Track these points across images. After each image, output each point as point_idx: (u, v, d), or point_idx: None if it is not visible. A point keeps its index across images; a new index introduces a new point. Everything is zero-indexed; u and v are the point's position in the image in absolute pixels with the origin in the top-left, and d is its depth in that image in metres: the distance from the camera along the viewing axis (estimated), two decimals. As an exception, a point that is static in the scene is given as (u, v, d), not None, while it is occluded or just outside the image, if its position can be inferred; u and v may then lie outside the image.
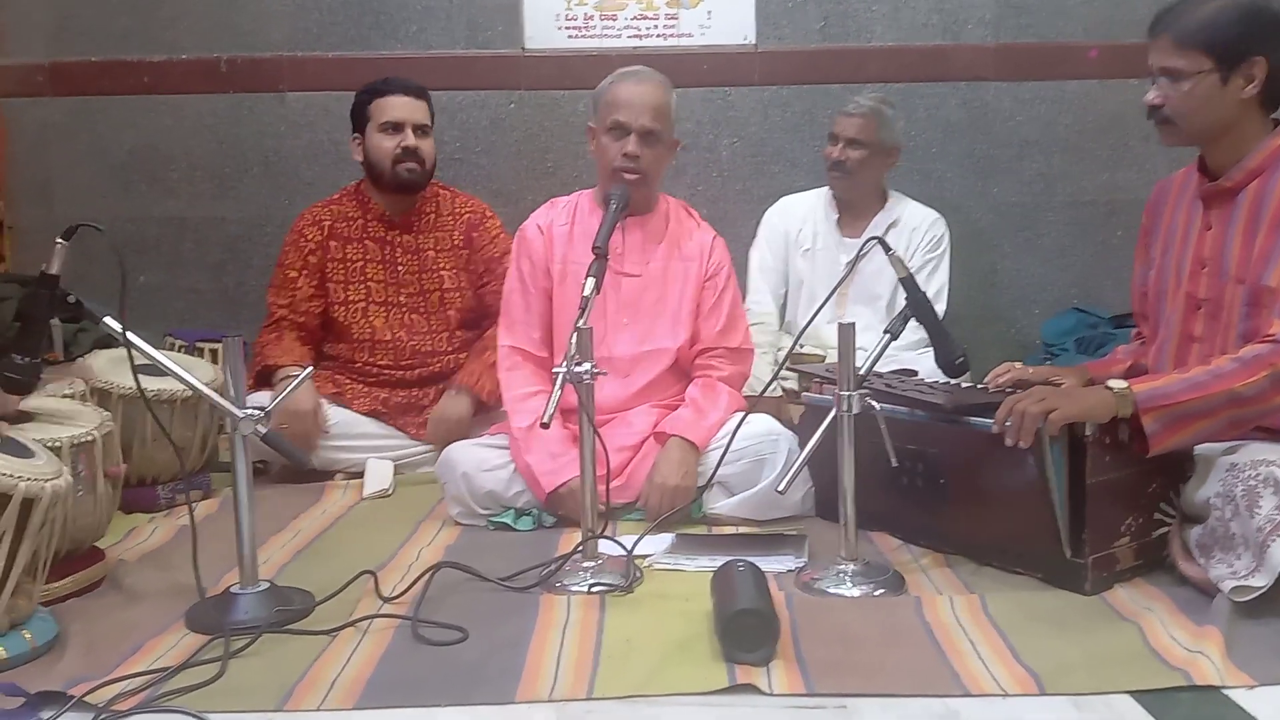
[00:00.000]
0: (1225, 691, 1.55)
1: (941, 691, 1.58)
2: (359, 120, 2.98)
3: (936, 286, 3.09)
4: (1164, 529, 2.01)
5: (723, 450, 2.29)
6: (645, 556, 2.16)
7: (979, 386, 2.26)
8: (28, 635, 1.74)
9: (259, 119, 3.68)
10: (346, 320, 3.00)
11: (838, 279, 2.57)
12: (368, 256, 3.02)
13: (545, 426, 1.95)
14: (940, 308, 2.89)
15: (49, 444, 2.01)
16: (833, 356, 2.26)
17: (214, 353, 3.26)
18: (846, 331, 1.98)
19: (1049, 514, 1.93)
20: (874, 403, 2.00)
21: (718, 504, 2.43)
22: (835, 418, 2.00)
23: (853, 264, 2.32)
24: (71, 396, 2.40)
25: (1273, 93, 1.99)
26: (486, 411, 2.91)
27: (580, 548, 2.08)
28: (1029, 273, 3.75)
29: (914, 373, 2.55)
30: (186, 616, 1.88)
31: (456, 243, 3.05)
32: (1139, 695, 1.55)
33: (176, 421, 2.57)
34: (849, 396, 1.99)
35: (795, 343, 2.48)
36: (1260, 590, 1.74)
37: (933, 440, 2.16)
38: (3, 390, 1.89)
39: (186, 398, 2.57)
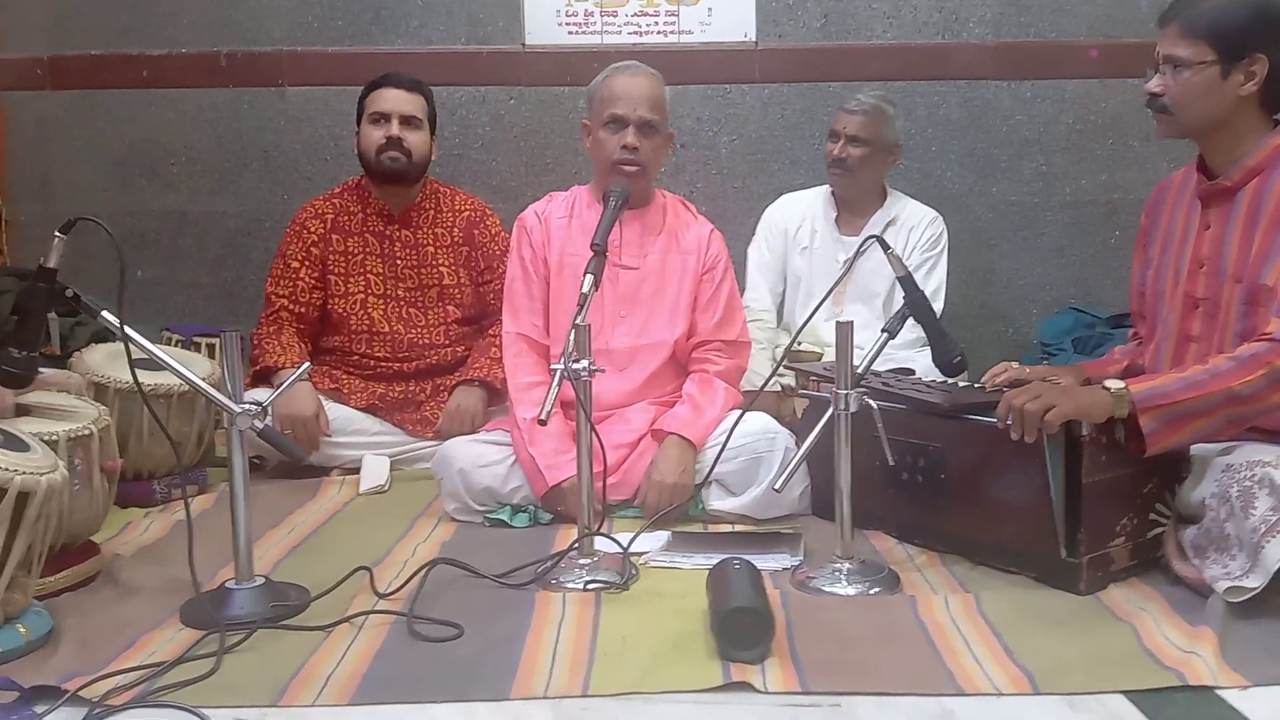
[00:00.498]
0: (1219, 692, 1.55)
1: (936, 690, 1.58)
2: (358, 114, 3.01)
3: (934, 285, 3.08)
4: (1159, 529, 2.01)
5: (720, 448, 2.29)
6: (641, 554, 2.16)
7: (976, 386, 2.26)
8: (22, 629, 1.74)
9: (258, 114, 3.68)
10: (345, 312, 3.00)
11: (835, 277, 2.56)
12: (367, 250, 3.02)
13: (543, 423, 1.95)
14: (938, 306, 2.88)
15: (46, 438, 2.01)
16: (830, 354, 2.26)
17: (211, 348, 3.25)
18: (844, 330, 1.98)
19: (1046, 513, 1.93)
20: (871, 401, 2.00)
21: (715, 503, 2.43)
22: (832, 416, 2.00)
23: (850, 262, 2.31)
24: (68, 391, 2.40)
25: (1273, 93, 2.00)
26: (500, 402, 2.92)
27: (576, 545, 2.08)
28: (1027, 272, 3.75)
29: (911, 371, 2.55)
30: (181, 611, 1.88)
31: (456, 239, 3.06)
32: (1133, 695, 1.55)
33: (173, 416, 2.58)
34: (846, 395, 1.99)
35: (794, 340, 2.48)
36: (1254, 591, 1.75)
37: (929, 439, 2.16)
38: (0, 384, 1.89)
39: (183, 392, 2.57)
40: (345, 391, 2.95)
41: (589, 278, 2.12)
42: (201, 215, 3.72)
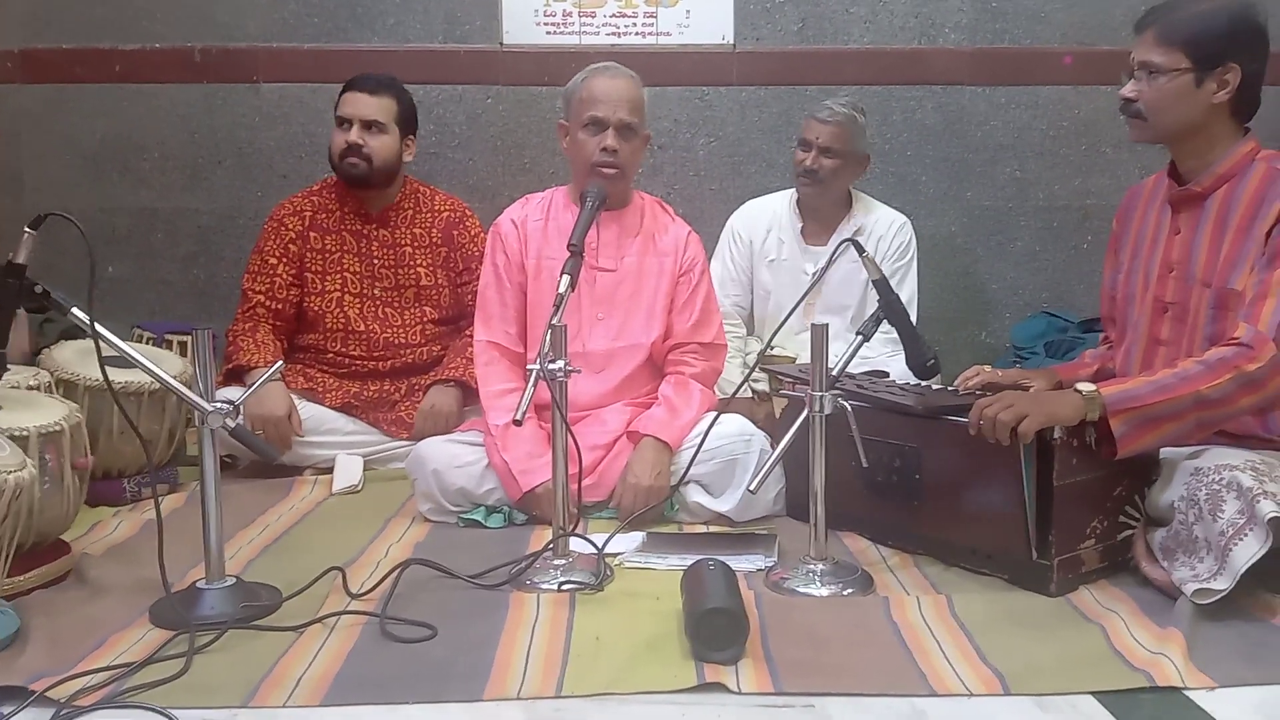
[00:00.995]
0: (1186, 693, 1.57)
1: (908, 691, 1.59)
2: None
3: (906, 296, 3.05)
4: (1129, 532, 2.03)
5: (695, 450, 2.29)
6: (616, 555, 2.16)
7: (949, 389, 2.28)
8: (-11, 629, 1.72)
9: (233, 110, 3.65)
10: (321, 310, 2.99)
11: (803, 289, 2.54)
12: (345, 248, 3.01)
13: (518, 424, 1.95)
14: (911, 316, 2.88)
15: (15, 434, 1.99)
16: (803, 360, 2.27)
17: (183, 345, 3.22)
18: (819, 332, 1.99)
19: (1018, 516, 1.95)
20: (846, 403, 2.01)
21: (692, 502, 2.43)
22: (807, 418, 2.01)
23: (823, 270, 2.32)
24: (37, 388, 2.37)
25: (1245, 101, 2.03)
26: (475, 402, 2.91)
27: (551, 545, 2.08)
28: (1000, 276, 3.78)
29: (885, 374, 2.56)
30: (151, 611, 1.87)
31: (435, 240, 3.05)
32: (1102, 696, 1.56)
33: (144, 414, 2.55)
34: (821, 397, 2.00)
35: (766, 346, 2.48)
36: (1222, 593, 1.77)
37: (903, 442, 2.17)
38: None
39: (154, 390, 2.55)
40: (320, 390, 2.94)
41: (565, 278, 2.12)
42: (174, 212, 3.69)
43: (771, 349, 2.89)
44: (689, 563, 1.91)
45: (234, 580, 1.94)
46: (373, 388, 2.97)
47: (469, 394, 2.91)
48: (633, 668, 1.66)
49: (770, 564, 2.12)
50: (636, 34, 3.65)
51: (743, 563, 2.09)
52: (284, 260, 2.98)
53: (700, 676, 1.62)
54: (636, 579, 2.07)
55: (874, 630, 1.81)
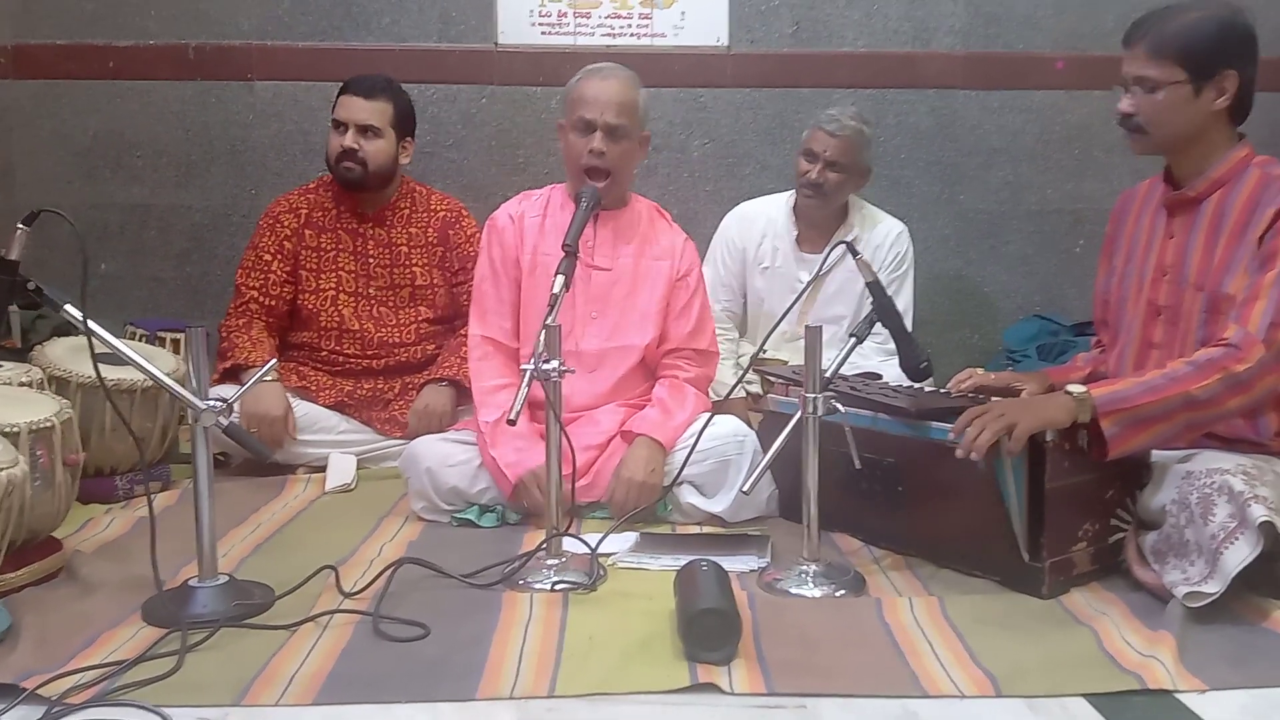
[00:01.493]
0: (1177, 695, 1.57)
1: (900, 692, 1.60)
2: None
3: (901, 305, 2.97)
4: (1120, 534, 2.04)
5: (689, 451, 2.30)
6: (609, 555, 2.16)
7: (942, 391, 2.28)
8: (-20, 626, 1.72)
9: (226, 107, 3.64)
10: (315, 308, 2.98)
11: (796, 296, 2.53)
12: (340, 247, 3.01)
13: (512, 423, 1.94)
14: (906, 324, 2.87)
15: (6, 430, 1.98)
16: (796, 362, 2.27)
17: (176, 343, 3.22)
18: (814, 334, 1.99)
19: (1005, 519, 1.95)
20: (838, 405, 2.02)
21: (686, 503, 2.44)
22: (800, 420, 2.02)
23: (817, 274, 2.32)
24: (29, 385, 2.37)
25: (1241, 105, 2.04)
26: (469, 401, 2.91)
27: (544, 545, 2.08)
28: (993, 280, 3.79)
29: (878, 376, 2.57)
30: (143, 609, 1.86)
31: (431, 240, 3.05)
32: (1093, 698, 1.57)
33: (136, 412, 2.55)
34: (814, 399, 2.00)
35: (759, 349, 2.48)
36: (1213, 596, 1.78)
37: (894, 445, 2.17)
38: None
39: (147, 388, 2.54)
40: (313, 389, 2.93)
41: (560, 278, 2.12)
42: (166, 209, 3.68)
43: (764, 353, 2.89)
44: (682, 563, 1.91)
45: (226, 578, 1.93)
46: (366, 386, 2.97)
47: (463, 393, 2.91)
48: (625, 668, 1.66)
49: (763, 565, 2.12)
50: (631, 35, 3.65)
51: (736, 563, 2.10)
52: (279, 257, 2.98)
53: (693, 677, 1.62)
54: (629, 579, 2.07)
55: (866, 631, 1.81)
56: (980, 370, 2.33)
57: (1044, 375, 2.34)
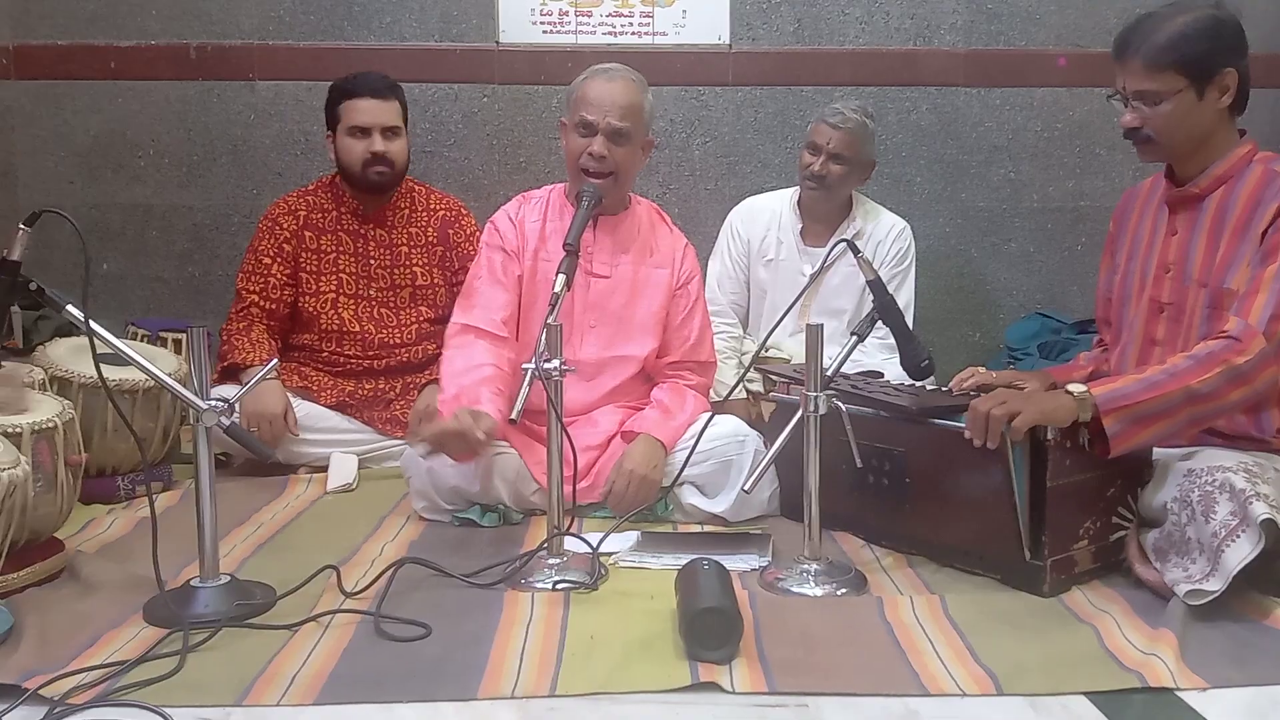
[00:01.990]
0: (1178, 693, 1.57)
1: (901, 691, 1.60)
2: (330, 118, 2.97)
3: (902, 302, 2.99)
4: (1121, 533, 2.04)
5: (689, 451, 2.30)
6: (610, 554, 2.16)
7: (943, 390, 2.28)
8: (-18, 626, 1.72)
9: (228, 107, 3.64)
10: (315, 310, 2.99)
11: (800, 289, 2.53)
12: (340, 248, 3.01)
13: (513, 423, 1.94)
14: (907, 321, 2.88)
15: (8, 431, 1.99)
16: (798, 361, 2.27)
17: (178, 343, 3.22)
18: (814, 333, 1.99)
19: (1010, 516, 1.95)
20: (840, 404, 2.02)
21: (687, 503, 2.44)
22: (801, 418, 2.02)
23: (819, 271, 2.32)
24: (31, 385, 2.37)
25: (1241, 99, 2.04)
26: None
27: (545, 544, 2.08)
28: (994, 278, 3.79)
29: (880, 375, 2.57)
30: (145, 609, 1.86)
31: (431, 239, 3.05)
32: (1094, 696, 1.57)
33: (138, 412, 2.55)
34: (816, 397, 2.00)
35: (760, 347, 2.48)
36: (1214, 594, 1.78)
37: (897, 442, 2.17)
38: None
39: (148, 388, 2.55)
40: (314, 389, 2.94)
41: (561, 277, 2.11)
42: (168, 209, 3.69)
43: (766, 350, 2.89)
44: (683, 562, 1.91)
45: (228, 578, 1.93)
46: (367, 386, 2.97)
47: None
48: (627, 667, 1.66)
49: (764, 564, 2.12)
50: (632, 33, 3.65)
51: (737, 562, 2.10)
52: (278, 260, 2.98)
53: (694, 676, 1.62)
54: (631, 578, 2.07)
55: (867, 630, 1.81)
56: (982, 369, 2.32)
57: (1046, 374, 2.33)
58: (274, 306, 2.98)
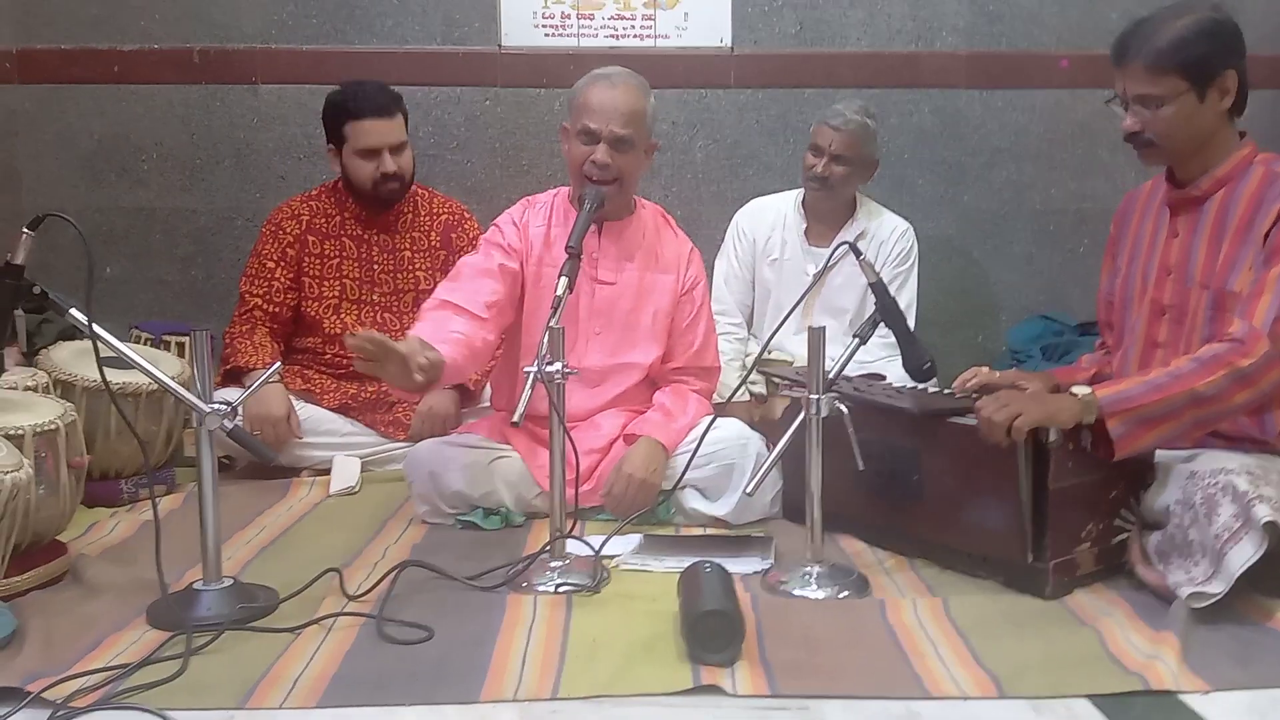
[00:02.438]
0: (1180, 696, 1.57)
1: (903, 693, 1.60)
2: (335, 134, 2.95)
3: (905, 302, 3.04)
4: (1124, 535, 2.04)
5: (691, 454, 2.30)
6: (613, 557, 2.16)
7: (946, 391, 2.28)
8: (-14, 630, 1.72)
9: (231, 110, 3.65)
10: (318, 315, 2.99)
11: (804, 289, 2.53)
12: (344, 254, 3.01)
13: (516, 425, 1.94)
14: (909, 322, 2.89)
15: (11, 434, 1.99)
16: (801, 363, 2.27)
17: (181, 346, 3.22)
18: (816, 335, 2.00)
19: (1014, 518, 1.95)
20: (842, 406, 2.02)
21: (689, 506, 2.44)
22: (804, 421, 2.02)
23: (821, 272, 2.32)
24: (34, 389, 2.37)
25: (1241, 101, 2.04)
26: (471, 405, 2.92)
27: (548, 547, 2.08)
28: (997, 279, 3.79)
29: (882, 377, 2.57)
30: (148, 612, 1.87)
31: (434, 244, 3.05)
32: (1096, 699, 1.57)
33: (141, 415, 2.55)
34: (818, 400, 2.00)
35: (764, 348, 2.49)
36: (1216, 597, 1.78)
37: (899, 445, 2.17)
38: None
39: (151, 391, 2.55)
40: (317, 392, 2.94)
41: (563, 280, 2.11)
42: (171, 212, 3.69)
43: (769, 352, 2.90)
44: (686, 565, 1.91)
45: (231, 581, 1.94)
46: (370, 389, 2.97)
47: (467, 397, 2.91)
48: (629, 669, 1.66)
49: (767, 566, 2.12)
50: (635, 36, 3.65)
51: (739, 565, 2.10)
52: (281, 264, 2.98)
53: (696, 679, 1.62)
54: (633, 581, 2.07)
55: (869, 633, 1.81)
56: (985, 368, 2.31)
57: (1049, 376, 2.33)
58: (277, 310, 2.98)
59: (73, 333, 2.82)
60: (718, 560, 1.92)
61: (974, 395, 2.21)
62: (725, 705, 1.57)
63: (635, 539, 2.27)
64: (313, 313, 2.99)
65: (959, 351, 3.64)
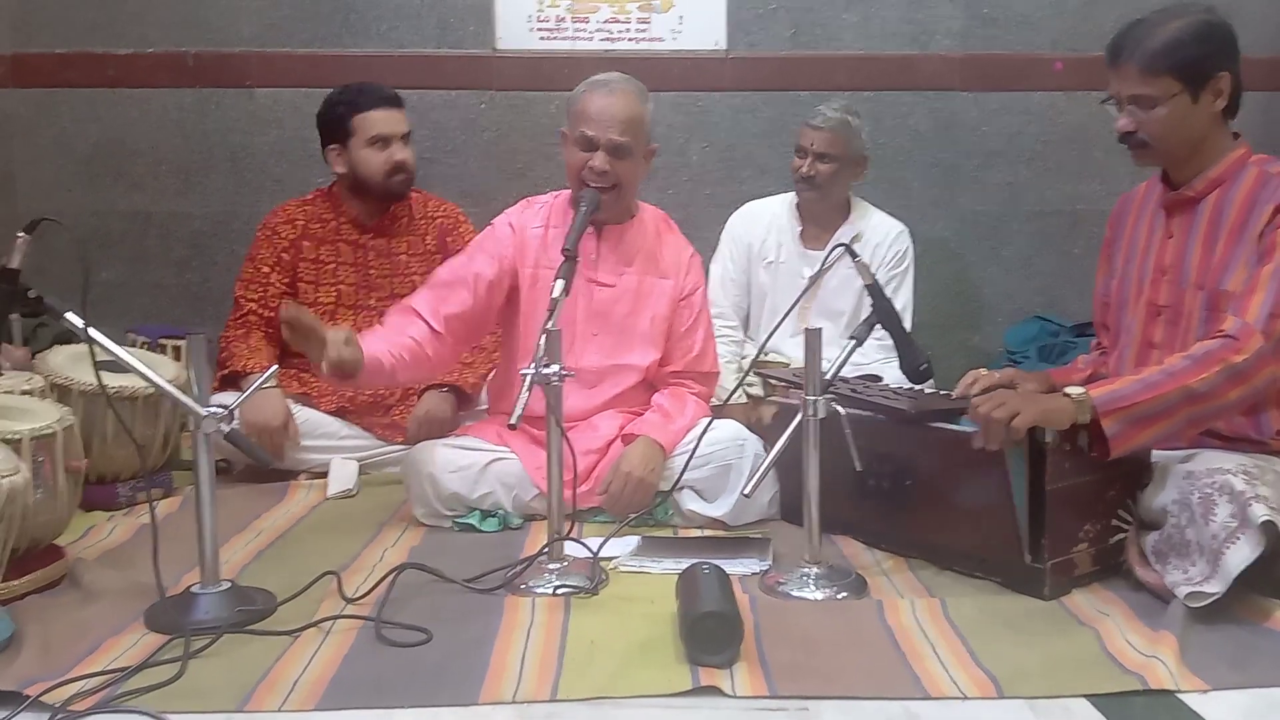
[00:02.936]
0: (1179, 696, 1.58)
1: (901, 694, 1.60)
2: (338, 132, 2.95)
3: (901, 304, 3.04)
4: (1121, 535, 2.04)
5: (689, 456, 2.30)
6: (611, 559, 2.16)
7: (943, 393, 2.28)
8: (-17, 634, 1.72)
9: (226, 114, 3.65)
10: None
11: (800, 292, 2.54)
12: (340, 259, 3.01)
13: (512, 428, 1.94)
14: (905, 323, 2.89)
15: (8, 437, 1.99)
16: (798, 365, 2.28)
17: (177, 350, 3.22)
18: (813, 336, 2.00)
19: (1010, 519, 1.95)
20: (839, 407, 2.02)
21: (687, 508, 2.44)
22: (801, 422, 2.02)
23: (818, 274, 2.33)
24: (30, 393, 2.37)
25: (1234, 103, 2.04)
26: (469, 408, 2.92)
27: (545, 549, 2.08)
28: (993, 281, 3.79)
29: (879, 378, 2.57)
30: (146, 616, 1.86)
31: (429, 247, 3.05)
32: (1095, 699, 1.57)
33: (138, 419, 2.55)
34: (815, 401, 2.00)
35: (760, 350, 2.49)
36: (1214, 597, 1.78)
37: (897, 445, 2.18)
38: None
39: (148, 395, 2.55)
40: (314, 395, 2.94)
41: (559, 282, 2.12)
42: (167, 216, 3.69)
43: (766, 355, 2.90)
44: (684, 566, 1.91)
45: (228, 584, 1.93)
46: (367, 392, 2.97)
47: (464, 399, 2.91)
48: (627, 671, 1.66)
49: (765, 568, 2.12)
50: (629, 40, 3.66)
51: (737, 566, 2.10)
52: (277, 269, 2.98)
53: (695, 680, 1.62)
54: (631, 583, 2.07)
55: (868, 633, 1.81)
56: (984, 371, 2.31)
57: (1047, 375, 2.33)
58: (272, 315, 2.97)
59: (69, 337, 2.81)
60: (716, 561, 1.92)
61: (970, 398, 2.21)
62: (724, 706, 1.57)
63: (633, 541, 2.27)
64: (309, 318, 2.98)
65: (955, 353, 3.66)
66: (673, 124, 3.68)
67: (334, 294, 3.00)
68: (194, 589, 1.91)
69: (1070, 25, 3.68)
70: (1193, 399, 1.89)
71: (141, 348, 3.21)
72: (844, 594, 1.99)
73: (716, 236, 3.32)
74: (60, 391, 2.48)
